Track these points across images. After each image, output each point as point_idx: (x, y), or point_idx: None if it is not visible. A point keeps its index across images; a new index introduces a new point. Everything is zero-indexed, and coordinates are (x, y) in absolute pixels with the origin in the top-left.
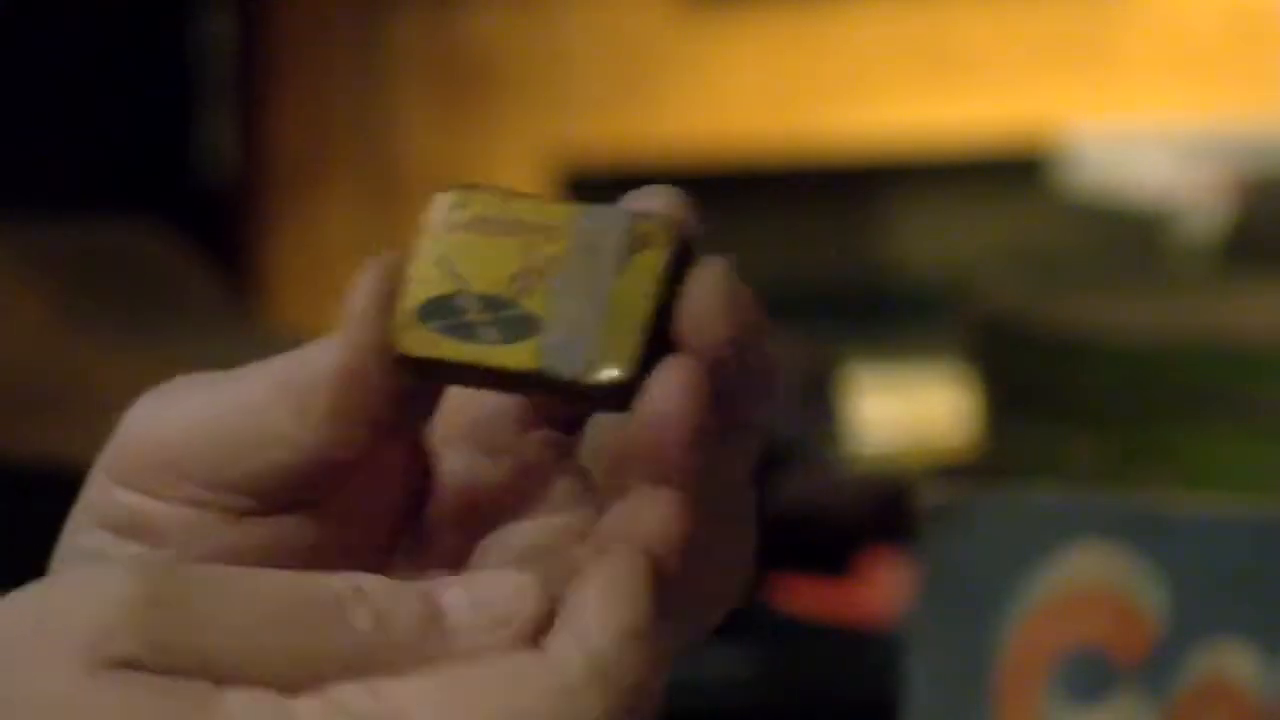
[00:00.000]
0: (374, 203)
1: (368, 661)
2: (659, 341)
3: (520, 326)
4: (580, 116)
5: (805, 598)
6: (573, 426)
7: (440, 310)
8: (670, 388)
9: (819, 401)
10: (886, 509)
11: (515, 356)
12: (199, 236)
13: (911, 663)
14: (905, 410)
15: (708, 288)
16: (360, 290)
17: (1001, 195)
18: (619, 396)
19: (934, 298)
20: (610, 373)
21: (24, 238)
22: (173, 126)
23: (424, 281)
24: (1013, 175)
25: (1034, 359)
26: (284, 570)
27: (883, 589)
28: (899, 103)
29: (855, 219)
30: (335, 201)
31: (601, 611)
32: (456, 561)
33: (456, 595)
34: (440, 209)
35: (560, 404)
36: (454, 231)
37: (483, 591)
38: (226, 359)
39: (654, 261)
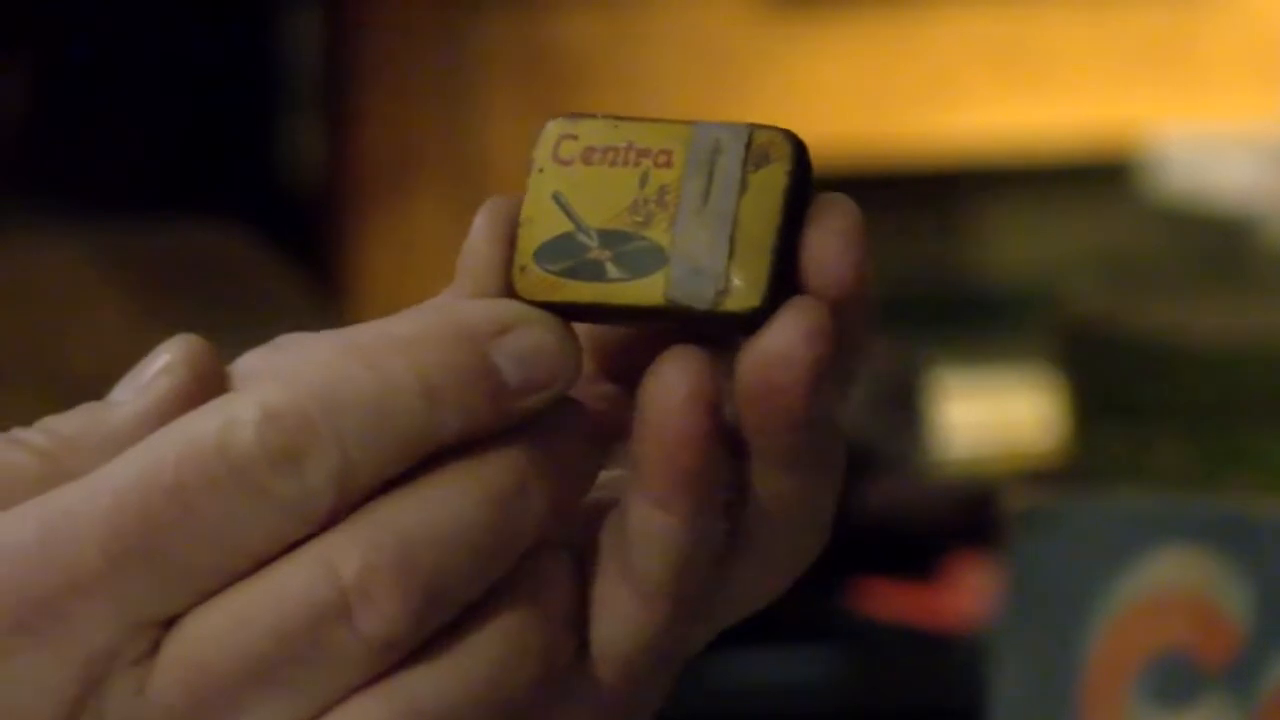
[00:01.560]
0: (461, 206)
1: None
2: (785, 262)
3: (643, 260)
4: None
5: (891, 602)
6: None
7: (559, 251)
8: (798, 328)
9: (906, 406)
10: (972, 514)
11: (642, 292)
12: (286, 241)
13: (997, 667)
14: (991, 415)
15: (837, 228)
16: (475, 238)
17: (1087, 200)
18: (751, 323)
19: (1020, 302)
20: (744, 301)
21: (108, 240)
22: (261, 131)
23: (538, 222)
24: (1098, 180)
25: (1119, 363)
26: None
27: (968, 594)
28: (983, 107)
29: (941, 224)
30: (422, 205)
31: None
32: None
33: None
34: (548, 142)
35: (683, 330)
36: (564, 165)
37: None
38: None
39: (777, 178)
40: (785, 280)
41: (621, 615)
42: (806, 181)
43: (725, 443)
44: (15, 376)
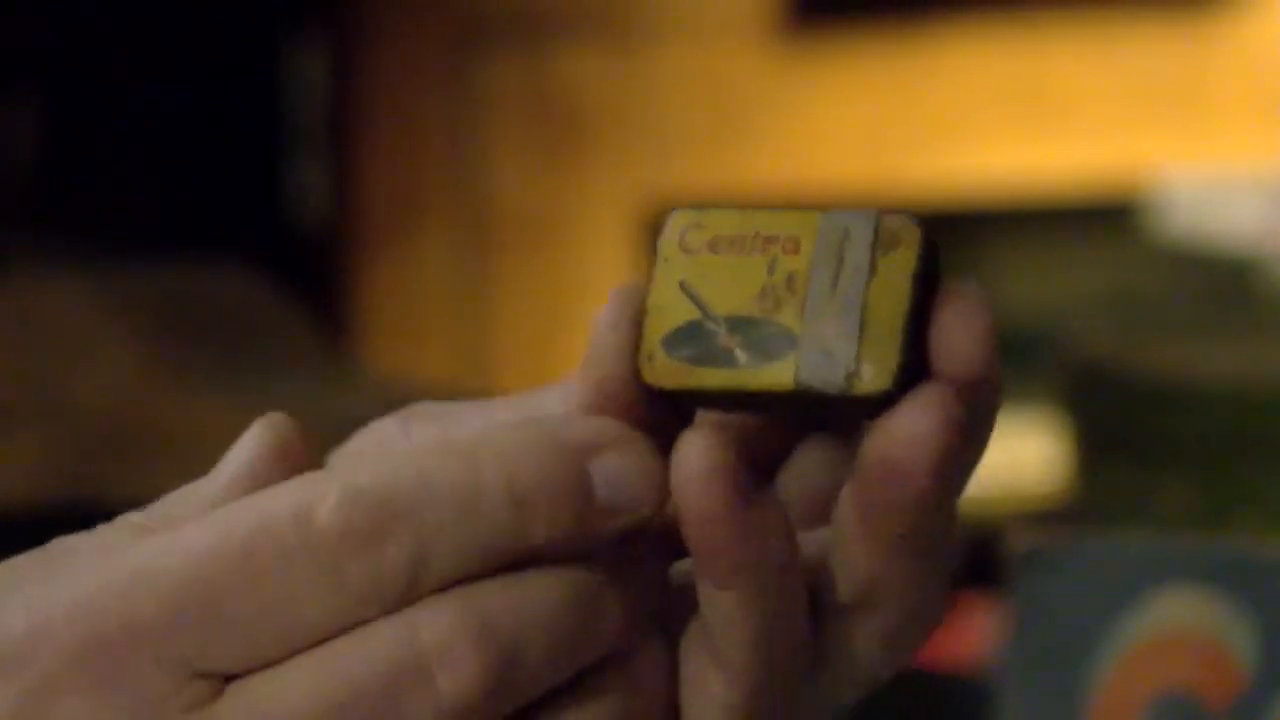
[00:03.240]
0: (467, 247)
1: None
2: (915, 346)
3: (772, 345)
4: (674, 160)
5: None
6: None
7: (686, 338)
8: (929, 412)
9: None
10: (978, 553)
11: (772, 377)
12: (292, 281)
13: (1002, 708)
14: (996, 455)
15: (967, 313)
16: (601, 325)
17: (1094, 240)
18: (881, 406)
19: (1026, 342)
20: (874, 384)
21: (116, 280)
22: (266, 171)
23: (665, 310)
24: (1105, 220)
25: (1125, 404)
26: None
27: (973, 634)
28: (992, 147)
29: (948, 263)
30: (429, 246)
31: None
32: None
33: None
34: (674, 231)
35: (811, 414)
36: (691, 254)
37: None
38: (318, 404)
39: (906, 262)
40: (915, 364)
41: (711, 697)
42: (935, 266)
43: (778, 517)
44: (21, 415)
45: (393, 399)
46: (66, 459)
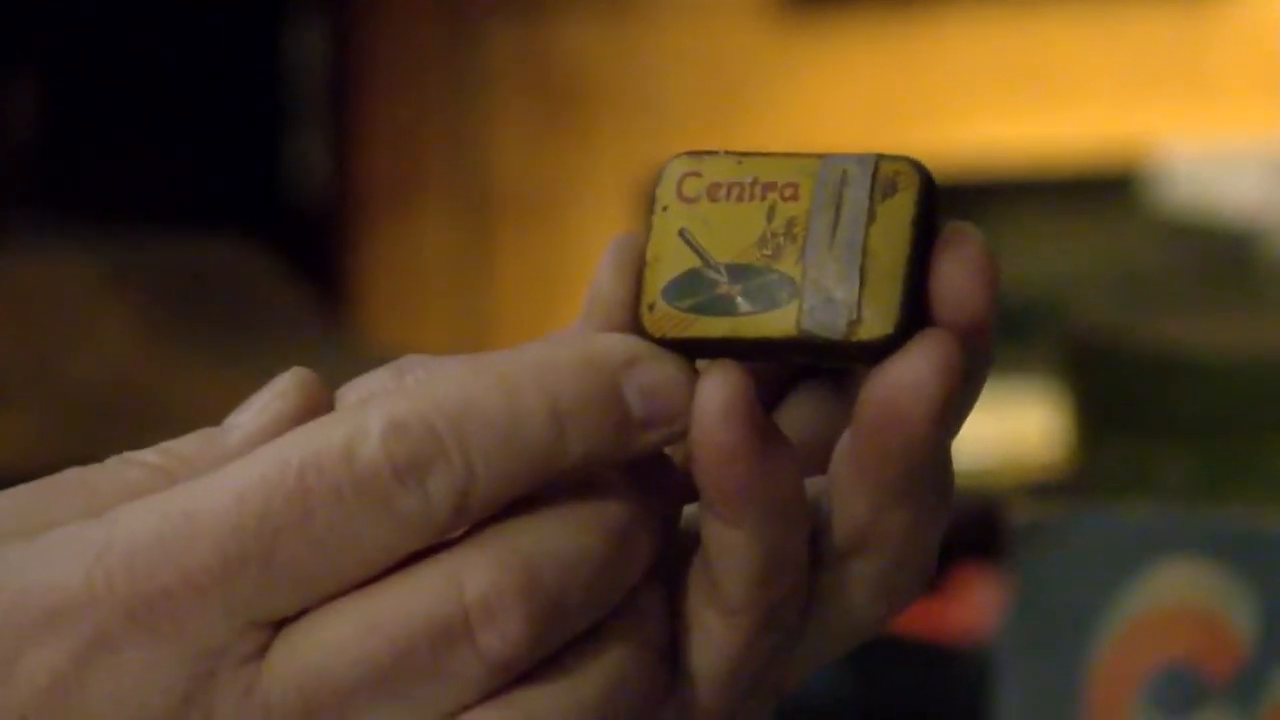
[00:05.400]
0: (466, 220)
1: None
2: (916, 291)
3: (774, 292)
4: (674, 133)
5: None
6: None
7: (687, 287)
8: (930, 359)
9: None
10: (978, 527)
11: (774, 324)
12: (291, 254)
13: (1002, 679)
14: (997, 427)
15: (967, 257)
16: (601, 275)
17: (1094, 213)
18: (884, 351)
19: (1026, 315)
20: (876, 330)
21: (115, 254)
22: (266, 146)
23: (664, 259)
24: (1105, 193)
25: (1126, 376)
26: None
27: (974, 606)
28: (992, 120)
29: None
30: (428, 219)
31: None
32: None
33: None
34: (671, 180)
35: (812, 361)
36: (689, 203)
37: None
38: (320, 377)
39: (905, 207)
40: (916, 309)
41: (710, 638)
42: (934, 210)
43: (789, 455)
44: (18, 389)
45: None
46: (63, 432)
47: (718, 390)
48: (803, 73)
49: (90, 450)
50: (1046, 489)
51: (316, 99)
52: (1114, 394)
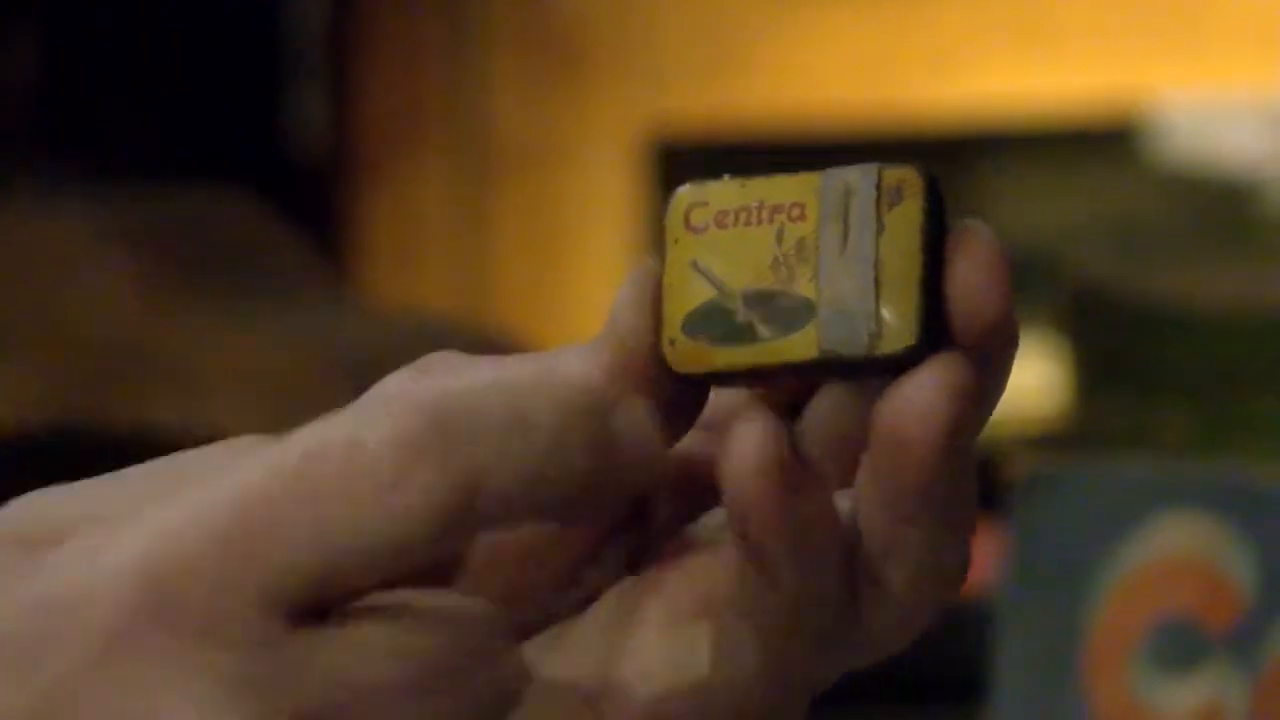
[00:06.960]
0: (465, 175)
1: None
2: (933, 297)
3: (792, 315)
4: (672, 89)
5: None
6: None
7: (705, 319)
8: (938, 384)
9: None
10: (977, 479)
11: (796, 348)
12: (291, 208)
13: (1001, 632)
14: None
15: (980, 258)
16: (621, 306)
17: (1091, 166)
18: (909, 362)
19: (1024, 268)
20: (898, 342)
21: (115, 207)
22: (265, 100)
23: (681, 292)
24: (1102, 146)
25: (1124, 330)
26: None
27: (973, 559)
28: (989, 73)
29: (946, 189)
30: (427, 174)
31: None
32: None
33: None
34: (678, 212)
35: (838, 379)
36: (698, 233)
37: None
38: (313, 327)
39: (912, 214)
40: (936, 315)
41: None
42: (942, 214)
43: (826, 499)
44: (18, 341)
45: (396, 327)
46: (63, 386)
47: (754, 446)
48: (801, 27)
49: (89, 400)
50: (1045, 442)
51: (316, 52)
52: (1113, 347)
